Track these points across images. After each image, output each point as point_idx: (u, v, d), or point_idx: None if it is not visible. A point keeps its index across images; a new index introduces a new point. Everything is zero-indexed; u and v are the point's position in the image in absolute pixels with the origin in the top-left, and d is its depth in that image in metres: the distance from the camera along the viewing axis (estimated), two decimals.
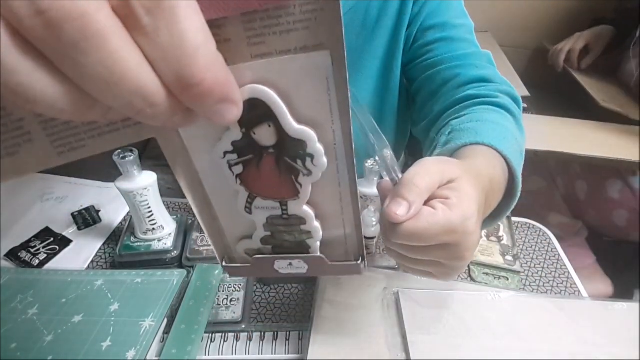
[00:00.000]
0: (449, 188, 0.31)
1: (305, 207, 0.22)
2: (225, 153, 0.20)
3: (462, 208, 0.30)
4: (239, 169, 0.21)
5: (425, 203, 0.30)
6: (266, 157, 0.20)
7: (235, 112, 0.15)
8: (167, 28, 0.12)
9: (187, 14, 0.12)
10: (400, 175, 0.32)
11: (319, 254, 0.25)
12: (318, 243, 0.24)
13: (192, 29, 0.13)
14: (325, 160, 0.20)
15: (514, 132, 0.45)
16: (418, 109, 0.59)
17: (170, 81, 0.13)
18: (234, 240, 0.25)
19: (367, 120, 0.30)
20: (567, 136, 0.97)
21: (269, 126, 0.19)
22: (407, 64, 0.59)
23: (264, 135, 0.19)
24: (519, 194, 0.42)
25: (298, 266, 0.25)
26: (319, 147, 0.19)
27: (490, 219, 0.42)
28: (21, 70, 0.12)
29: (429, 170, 0.31)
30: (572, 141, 0.94)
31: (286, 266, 0.25)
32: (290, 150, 0.20)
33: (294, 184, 0.21)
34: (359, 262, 0.25)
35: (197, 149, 0.20)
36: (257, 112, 0.18)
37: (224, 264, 0.26)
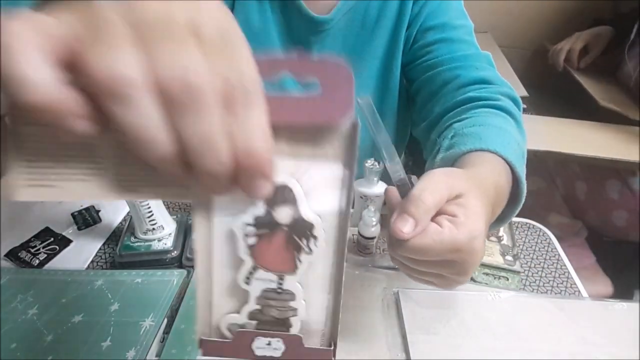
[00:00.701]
0: (457, 204, 0.31)
1: (297, 284, 0.25)
2: (246, 225, 0.23)
3: (468, 227, 0.30)
4: (252, 240, 0.24)
5: (433, 218, 0.30)
6: (279, 232, 0.23)
7: (269, 189, 0.18)
8: (253, 116, 0.16)
9: (262, 113, 0.17)
10: (403, 176, 0.32)
11: (298, 333, 0.27)
12: (300, 323, 0.26)
13: (265, 121, 0.17)
14: (325, 244, 0.24)
15: (516, 136, 0.45)
16: (418, 110, 0.59)
17: (240, 152, 0.16)
18: (220, 316, 0.27)
19: (374, 120, 0.30)
20: (566, 136, 0.97)
21: (289, 208, 0.22)
22: (407, 64, 0.59)
23: (283, 214, 0.22)
24: (523, 200, 0.42)
25: (275, 347, 0.27)
26: (323, 232, 0.23)
27: (494, 224, 0.41)
28: (152, 121, 0.15)
29: (437, 186, 0.31)
30: (572, 141, 0.94)
31: (264, 345, 0.27)
32: (299, 230, 0.23)
33: (295, 260, 0.24)
34: (331, 348, 0.27)
35: (221, 216, 0.23)
36: (283, 195, 0.22)
37: (201, 337, 0.26)
